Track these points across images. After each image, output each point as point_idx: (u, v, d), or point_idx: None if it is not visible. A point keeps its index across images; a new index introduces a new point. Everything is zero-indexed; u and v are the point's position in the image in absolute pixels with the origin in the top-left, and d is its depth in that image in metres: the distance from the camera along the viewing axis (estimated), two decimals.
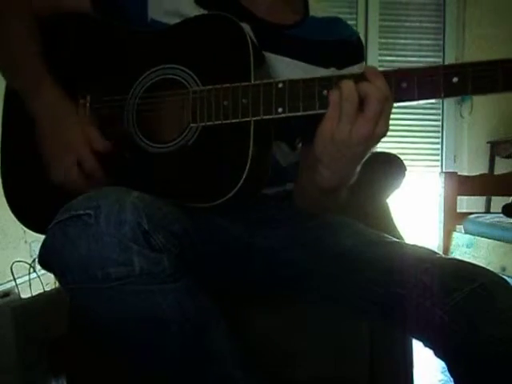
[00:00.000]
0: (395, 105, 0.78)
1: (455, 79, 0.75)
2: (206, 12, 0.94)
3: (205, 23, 0.92)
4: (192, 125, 0.88)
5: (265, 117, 0.83)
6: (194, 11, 0.94)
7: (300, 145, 1.05)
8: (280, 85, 0.82)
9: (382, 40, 3.56)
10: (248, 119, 0.84)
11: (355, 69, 1.03)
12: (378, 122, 0.76)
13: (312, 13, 1.05)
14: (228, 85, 0.85)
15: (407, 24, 3.61)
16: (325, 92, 0.80)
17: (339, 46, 1.03)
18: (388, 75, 0.77)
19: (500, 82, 0.74)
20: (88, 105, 0.96)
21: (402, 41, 3.59)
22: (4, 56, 0.99)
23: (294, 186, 1.04)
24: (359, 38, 1.09)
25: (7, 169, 1.04)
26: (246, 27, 0.90)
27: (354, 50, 1.06)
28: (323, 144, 0.78)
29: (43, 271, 0.77)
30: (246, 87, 0.84)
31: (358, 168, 0.85)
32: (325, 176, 0.83)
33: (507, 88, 0.74)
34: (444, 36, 3.60)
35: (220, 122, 0.86)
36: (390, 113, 0.77)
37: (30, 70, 0.94)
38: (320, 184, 0.85)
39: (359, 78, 0.77)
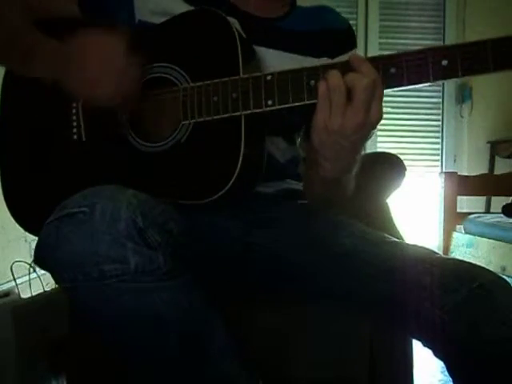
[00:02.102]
0: (395, 102, 0.77)
1: (444, 62, 0.75)
2: (192, 8, 0.94)
3: (192, 19, 0.92)
4: (184, 122, 0.88)
5: (255, 110, 0.84)
6: (181, 8, 0.94)
7: (299, 139, 1.05)
8: (268, 77, 0.83)
9: (382, 40, 3.56)
10: (238, 113, 0.85)
11: (347, 57, 1.03)
12: (369, 109, 0.76)
13: (300, 3, 1.05)
14: (217, 80, 0.85)
15: (407, 24, 3.61)
16: (312, 82, 0.80)
17: (328, 35, 1.03)
18: (375, 61, 0.77)
19: (490, 62, 0.73)
20: (80, 106, 0.96)
21: (402, 41, 3.59)
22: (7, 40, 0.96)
23: (303, 183, 1.03)
24: (349, 25, 1.09)
25: (5, 171, 1.04)
26: (234, 22, 0.91)
27: (344, 38, 1.06)
28: (319, 136, 0.79)
29: (43, 271, 0.77)
30: (235, 81, 0.85)
31: (358, 156, 0.85)
32: (326, 167, 0.84)
33: (498, 68, 0.73)
34: (444, 36, 3.61)
35: (211, 117, 0.86)
36: (381, 97, 0.77)
37: (32, 35, 0.91)
38: (323, 175, 0.86)
39: (345, 67, 0.77)
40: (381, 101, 0.77)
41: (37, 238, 0.75)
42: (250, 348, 0.88)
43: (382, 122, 0.80)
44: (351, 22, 1.12)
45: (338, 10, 1.10)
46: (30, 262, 1.94)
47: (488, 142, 3.47)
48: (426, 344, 0.82)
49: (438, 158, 3.61)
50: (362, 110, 0.75)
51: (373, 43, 3.54)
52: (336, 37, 1.04)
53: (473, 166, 3.49)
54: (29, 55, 0.92)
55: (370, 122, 0.77)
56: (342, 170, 0.85)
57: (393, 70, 0.77)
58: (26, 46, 0.92)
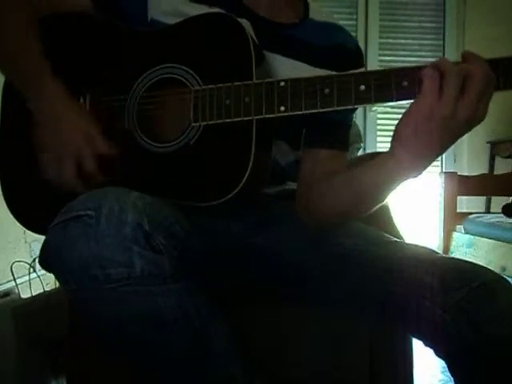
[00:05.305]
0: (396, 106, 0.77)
1: None
2: (203, 8, 0.94)
3: (205, 22, 0.92)
4: (194, 124, 0.88)
5: (267, 115, 0.83)
6: (194, 9, 0.94)
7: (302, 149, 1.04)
8: (282, 83, 0.83)
9: (382, 40, 3.56)
10: (250, 118, 0.84)
11: None
12: (481, 102, 0.74)
13: (312, 16, 1.05)
14: (230, 84, 0.85)
15: (407, 24, 3.61)
16: (327, 91, 0.79)
17: (338, 51, 1.02)
18: (495, 62, 0.75)
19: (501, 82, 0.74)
20: (88, 105, 0.96)
21: (402, 41, 3.59)
22: (3, 53, 0.98)
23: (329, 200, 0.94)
24: (358, 45, 1.08)
25: (5, 170, 1.04)
26: (246, 24, 0.91)
27: (352, 57, 1.05)
28: (414, 124, 0.75)
29: (43, 271, 0.77)
30: (248, 86, 0.84)
31: (436, 157, 0.81)
32: (404, 162, 0.79)
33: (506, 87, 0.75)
34: (444, 36, 3.60)
35: (222, 120, 0.86)
36: (491, 95, 0.75)
37: (31, 66, 0.93)
38: (392, 171, 0.81)
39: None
40: (490, 98, 0.75)
41: (37, 238, 0.75)
42: (250, 348, 0.88)
43: (382, 121, 0.79)
44: (351, 22, 1.12)
45: (337, 10, 1.10)
46: (29, 262, 1.94)
47: (488, 142, 3.47)
48: (427, 343, 0.82)
49: (438, 157, 3.61)
50: (475, 100, 0.73)
51: (373, 43, 3.54)
52: (346, 54, 1.03)
53: (473, 166, 3.49)
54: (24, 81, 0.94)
55: (478, 116, 0.74)
56: (420, 165, 0.81)
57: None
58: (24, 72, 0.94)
